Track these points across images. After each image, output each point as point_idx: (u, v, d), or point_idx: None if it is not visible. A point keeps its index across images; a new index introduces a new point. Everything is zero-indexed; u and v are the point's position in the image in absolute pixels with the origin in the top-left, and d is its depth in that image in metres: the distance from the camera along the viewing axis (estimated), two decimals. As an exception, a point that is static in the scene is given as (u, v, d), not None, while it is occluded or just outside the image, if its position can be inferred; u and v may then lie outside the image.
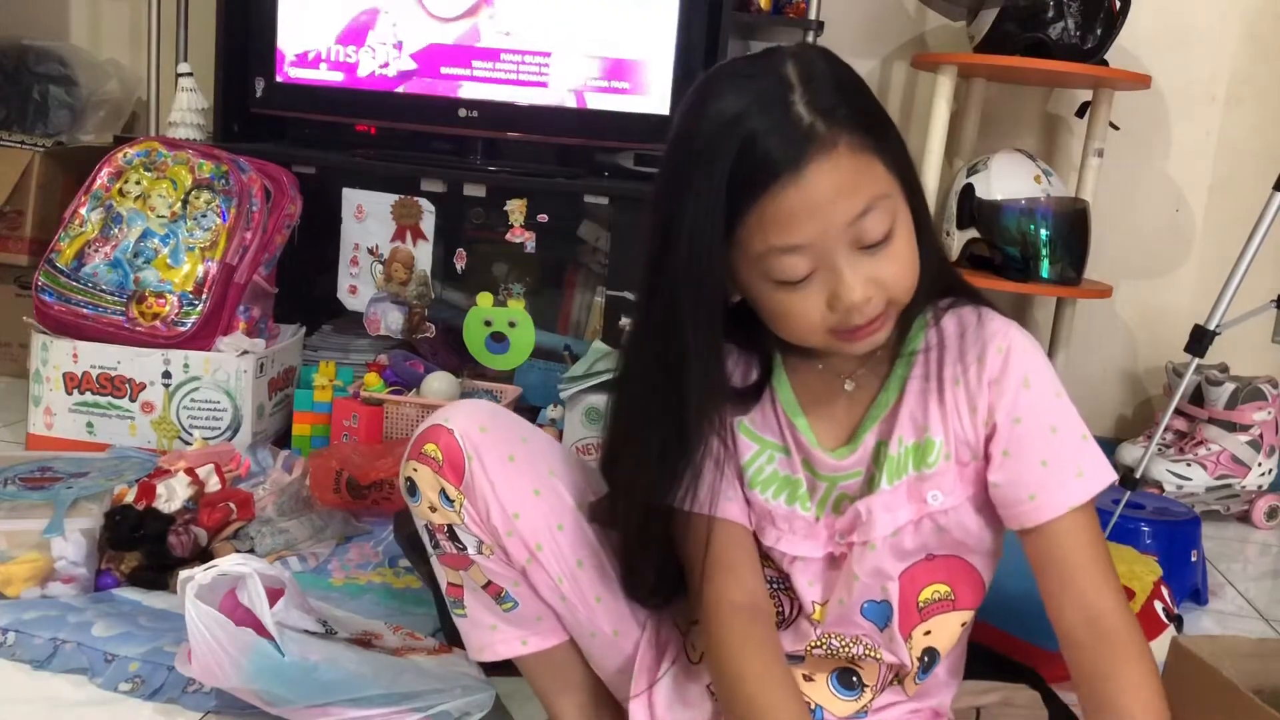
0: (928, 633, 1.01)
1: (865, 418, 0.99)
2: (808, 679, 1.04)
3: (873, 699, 1.04)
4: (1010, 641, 1.42)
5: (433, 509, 1.04)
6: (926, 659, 1.02)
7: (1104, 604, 0.92)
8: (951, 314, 0.98)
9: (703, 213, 0.87)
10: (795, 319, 0.91)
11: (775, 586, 1.04)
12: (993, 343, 0.95)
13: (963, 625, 1.03)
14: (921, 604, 1.00)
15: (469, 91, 2.26)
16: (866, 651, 1.01)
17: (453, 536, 1.04)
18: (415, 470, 1.04)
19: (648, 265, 0.93)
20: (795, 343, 0.95)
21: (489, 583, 1.06)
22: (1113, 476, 0.96)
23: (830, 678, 1.05)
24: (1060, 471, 0.93)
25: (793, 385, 1.02)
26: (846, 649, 1.02)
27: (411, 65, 2.28)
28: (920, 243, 0.93)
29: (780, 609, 1.04)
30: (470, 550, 1.04)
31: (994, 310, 0.99)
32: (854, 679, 1.04)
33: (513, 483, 1.03)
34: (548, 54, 2.23)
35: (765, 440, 1.02)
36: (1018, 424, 0.94)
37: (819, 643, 1.02)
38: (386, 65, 2.29)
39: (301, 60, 2.33)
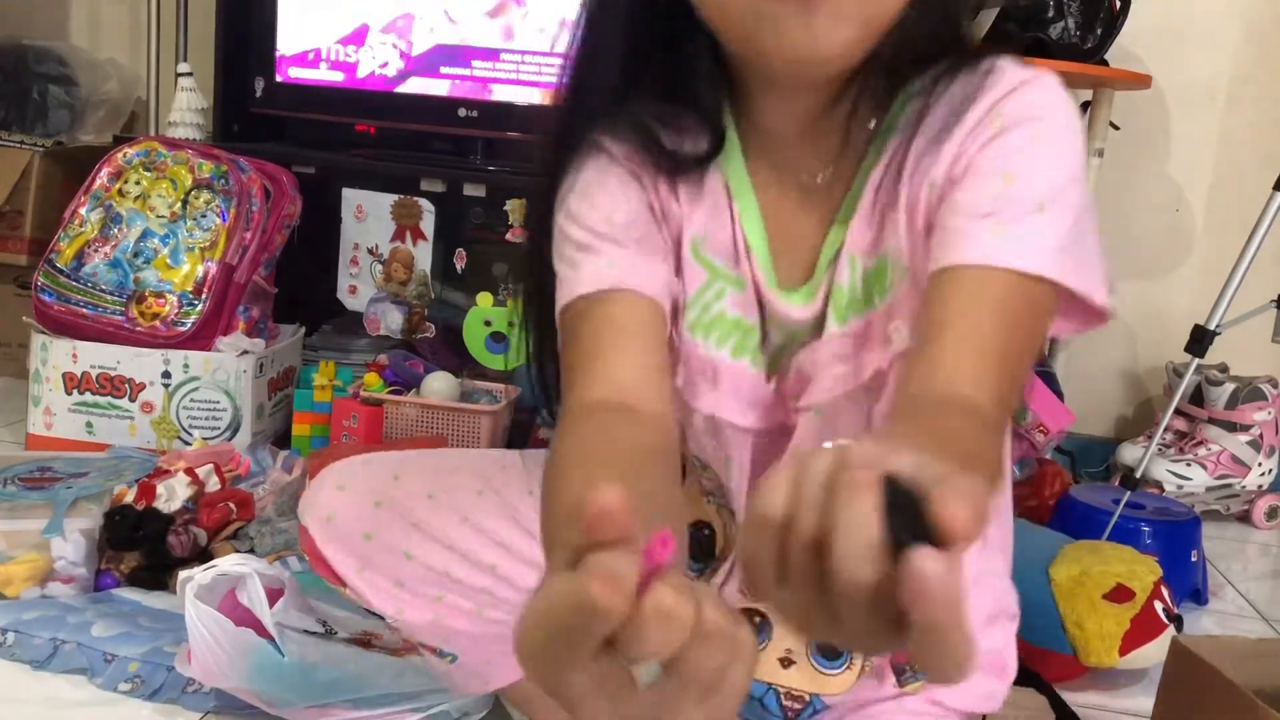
0: None
1: (825, 243, 0.79)
2: (786, 663, 0.89)
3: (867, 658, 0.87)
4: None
5: (341, 592, 0.99)
6: None
7: (962, 387, 0.64)
8: (959, 77, 0.74)
9: None
10: None
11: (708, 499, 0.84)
12: (993, 89, 0.72)
13: None
14: None
15: (468, 91, 2.26)
16: None
17: (369, 612, 1.00)
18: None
19: None
20: (715, 20, 0.71)
21: (422, 643, 1.02)
22: (1100, 299, 0.71)
23: (809, 651, 0.88)
24: (1005, 219, 0.68)
25: (755, 195, 0.80)
26: None
27: (412, 64, 2.28)
28: None
29: (706, 534, 0.85)
30: (388, 619, 1.00)
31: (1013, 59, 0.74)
32: None
33: (381, 557, 0.95)
34: (548, 53, 2.23)
35: (718, 268, 0.81)
36: (967, 169, 0.71)
37: None
38: (386, 65, 2.29)
39: (301, 60, 2.33)
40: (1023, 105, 0.71)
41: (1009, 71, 0.72)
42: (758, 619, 0.86)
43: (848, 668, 0.88)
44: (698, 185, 0.81)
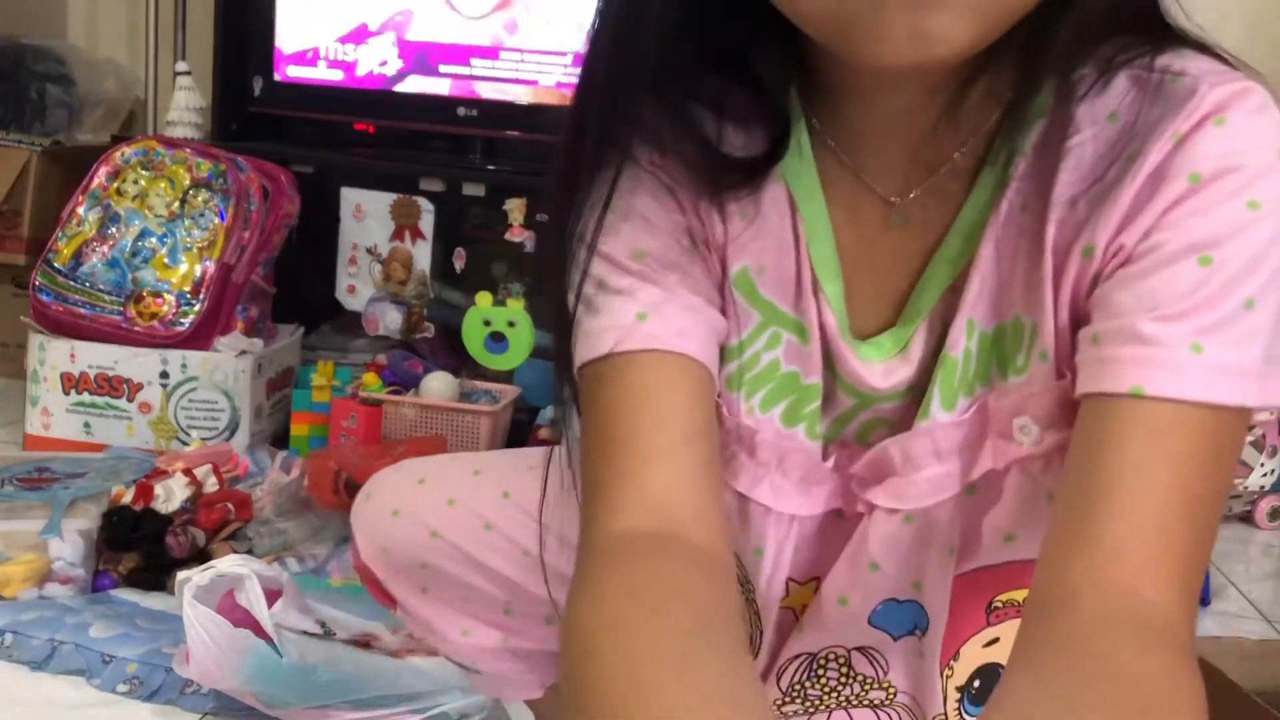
0: (991, 642, 0.65)
1: (919, 287, 0.60)
2: None
3: None
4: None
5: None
6: (978, 686, 0.65)
7: (1137, 582, 0.47)
8: (1125, 73, 0.54)
9: None
10: None
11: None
12: (1179, 112, 0.52)
13: None
14: (997, 606, 0.64)
15: (468, 90, 2.25)
16: (865, 691, 0.65)
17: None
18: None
19: None
20: (790, 13, 0.53)
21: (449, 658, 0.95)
22: None
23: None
24: (1202, 327, 0.49)
25: (831, 216, 0.61)
26: (831, 692, 0.65)
27: (411, 63, 2.28)
28: None
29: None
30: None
31: (1220, 60, 0.54)
32: None
33: (440, 600, 0.87)
34: (548, 52, 2.22)
35: (775, 308, 0.62)
36: (1147, 240, 0.51)
37: (790, 690, 0.65)
38: (385, 64, 2.29)
39: (300, 59, 2.33)
40: (1227, 145, 0.51)
41: (1203, 81, 0.52)
42: None
43: None
44: (752, 200, 0.62)
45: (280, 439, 2.10)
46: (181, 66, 2.44)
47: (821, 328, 0.61)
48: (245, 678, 1.16)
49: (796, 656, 0.66)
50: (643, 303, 0.58)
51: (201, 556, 1.49)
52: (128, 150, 2.08)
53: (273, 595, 1.21)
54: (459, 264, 2.32)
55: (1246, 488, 2.28)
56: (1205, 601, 1.81)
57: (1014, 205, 0.57)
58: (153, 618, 1.39)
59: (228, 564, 1.21)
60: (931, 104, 0.57)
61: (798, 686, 0.66)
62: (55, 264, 2.01)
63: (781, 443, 0.62)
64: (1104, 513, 0.48)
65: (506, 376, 2.24)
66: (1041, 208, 0.55)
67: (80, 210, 2.04)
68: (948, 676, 0.65)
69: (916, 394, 0.60)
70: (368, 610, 1.47)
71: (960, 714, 0.66)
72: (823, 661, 0.65)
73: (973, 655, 0.65)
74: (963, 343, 0.58)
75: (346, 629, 1.31)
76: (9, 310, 2.39)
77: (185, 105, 2.41)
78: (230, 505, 1.61)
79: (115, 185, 2.06)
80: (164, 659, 1.27)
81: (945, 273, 0.59)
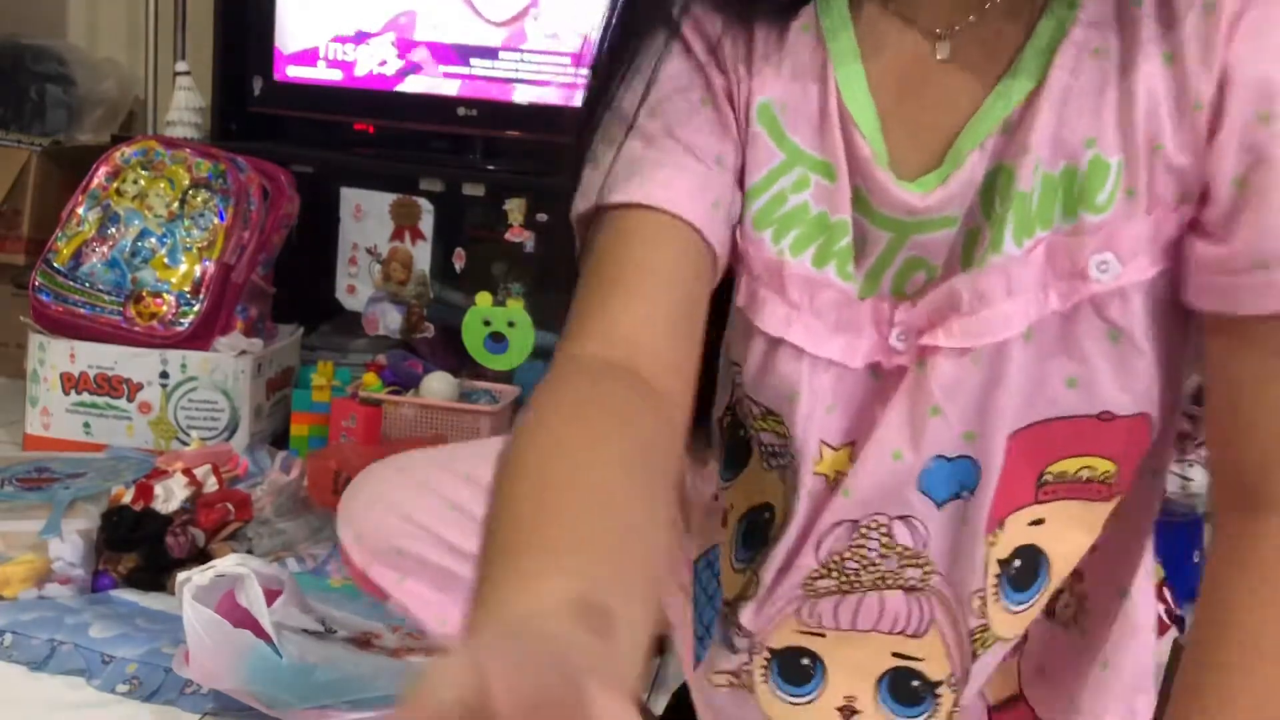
0: (1037, 522, 0.62)
1: (973, 120, 0.59)
2: (849, 713, 0.65)
3: (956, 703, 0.64)
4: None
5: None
6: (1018, 567, 0.63)
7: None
8: None
9: None
10: None
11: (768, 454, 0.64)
12: None
13: (1103, 528, 0.63)
14: (1047, 479, 0.62)
15: (468, 90, 2.25)
16: (902, 568, 0.62)
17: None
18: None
19: None
20: None
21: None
22: None
23: (879, 687, 0.65)
24: None
25: (862, 50, 0.61)
26: (869, 566, 0.62)
27: (410, 63, 2.27)
28: None
29: (766, 517, 0.65)
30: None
31: None
32: (915, 682, 0.64)
33: (418, 588, 0.88)
34: (548, 52, 2.22)
35: (798, 149, 0.62)
36: (1268, 125, 0.53)
37: (828, 561, 0.62)
38: (384, 64, 2.29)
39: (299, 59, 2.33)
40: None
41: None
42: (805, 660, 0.66)
43: (932, 715, 0.65)
44: (777, 35, 0.61)
45: (280, 439, 2.10)
46: (181, 66, 2.44)
47: (854, 161, 0.60)
48: (245, 677, 1.16)
49: (839, 523, 0.63)
50: (643, 155, 0.59)
51: (201, 556, 1.49)
52: (127, 150, 2.08)
53: (272, 595, 1.21)
54: (459, 264, 2.32)
55: (1246, 488, 2.28)
56: (1205, 601, 1.81)
57: (1087, 41, 0.56)
58: (152, 618, 1.39)
59: (227, 564, 1.21)
60: None
61: (835, 559, 0.63)
62: (55, 264, 2.01)
63: (811, 281, 0.61)
64: (1253, 422, 0.54)
65: (506, 376, 2.24)
66: (1116, 32, 0.55)
67: (80, 210, 2.04)
68: (990, 544, 0.62)
69: (964, 232, 0.59)
70: (367, 610, 1.47)
71: (998, 594, 0.63)
72: (865, 530, 0.63)
73: (1017, 530, 0.63)
74: (1031, 177, 0.57)
75: (346, 628, 1.31)
76: (9, 310, 2.39)
77: (185, 105, 2.41)
78: (230, 505, 1.61)
79: (115, 185, 2.06)
80: (164, 659, 1.27)
81: (999, 112, 0.58)
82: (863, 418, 0.61)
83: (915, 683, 0.64)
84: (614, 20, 0.62)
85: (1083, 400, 0.59)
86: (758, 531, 0.68)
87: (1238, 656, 0.55)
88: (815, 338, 0.61)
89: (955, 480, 0.61)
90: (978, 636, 0.64)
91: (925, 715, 0.65)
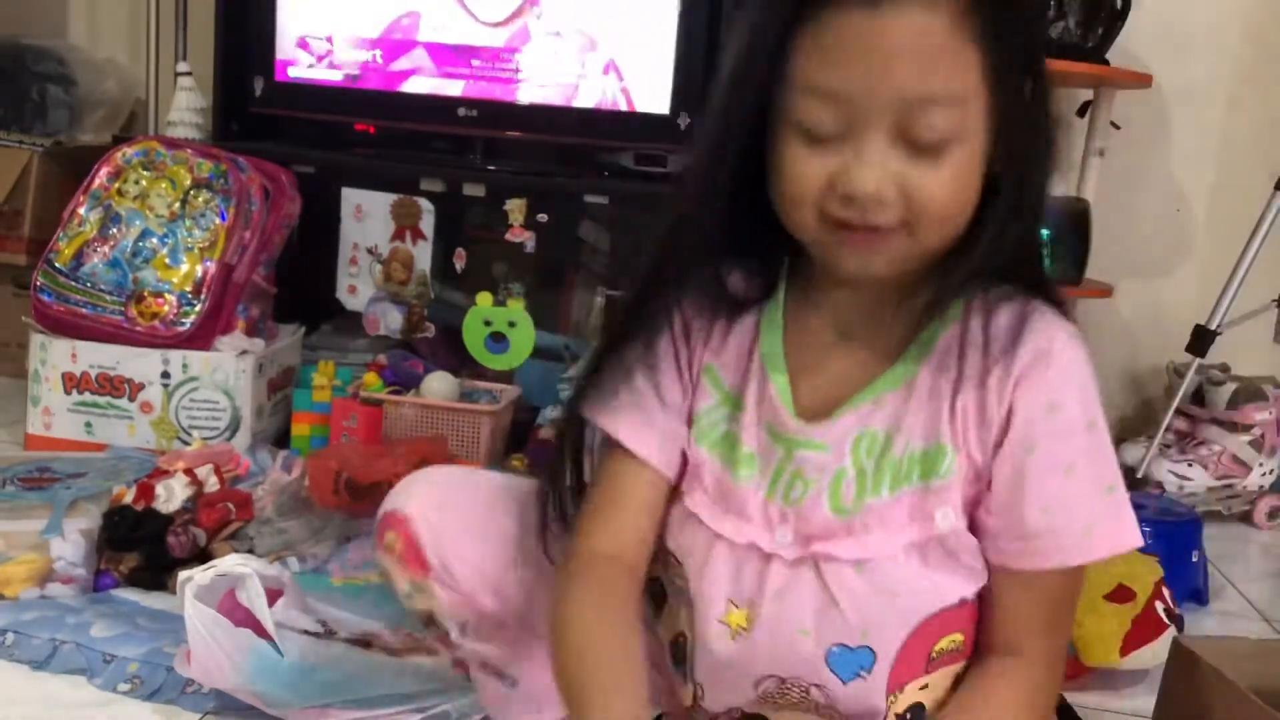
0: (925, 687, 0.85)
1: (855, 395, 0.83)
2: None
3: None
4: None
5: (408, 596, 0.97)
6: (909, 718, 0.86)
7: (1026, 645, 0.83)
8: (1005, 307, 0.81)
9: (766, 5, 0.77)
10: (795, 179, 0.77)
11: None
12: (1030, 340, 0.79)
13: (955, 678, 0.86)
14: (934, 655, 0.84)
15: (468, 90, 2.25)
16: (821, 716, 0.86)
17: (433, 622, 0.99)
18: (381, 559, 0.97)
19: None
20: (785, 216, 0.80)
21: (484, 662, 1.01)
22: (1135, 542, 0.82)
23: None
24: (1063, 522, 0.79)
25: (785, 339, 0.87)
26: (793, 706, 0.86)
27: (415, 64, 2.28)
28: (996, 207, 0.78)
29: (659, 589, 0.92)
30: (453, 634, 0.98)
31: (1055, 311, 0.81)
32: None
33: (485, 563, 0.95)
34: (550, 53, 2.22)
35: (727, 393, 0.88)
36: (1029, 454, 0.79)
37: (762, 696, 0.86)
38: (386, 64, 2.29)
39: (300, 59, 2.33)
40: (1057, 375, 0.80)
41: (1045, 319, 0.81)
42: None
43: None
44: (730, 322, 0.90)
45: (281, 439, 2.11)
46: (183, 67, 2.44)
47: (765, 399, 0.86)
48: (246, 677, 1.16)
49: (769, 676, 0.85)
50: (631, 409, 0.88)
51: (202, 556, 1.50)
52: (129, 150, 2.08)
53: (274, 595, 1.22)
54: (459, 264, 2.33)
55: (1245, 488, 2.29)
56: (1204, 601, 1.82)
57: (943, 362, 0.82)
58: (154, 617, 1.39)
59: (229, 563, 1.21)
60: (889, 292, 0.83)
61: (769, 697, 0.86)
62: (56, 264, 2.01)
63: (720, 478, 0.86)
64: (1011, 623, 0.83)
65: (507, 376, 2.24)
66: (954, 376, 0.81)
67: (81, 210, 2.05)
68: (891, 703, 0.83)
69: (835, 467, 0.83)
70: (368, 610, 1.47)
71: None
72: (789, 685, 0.85)
73: (910, 694, 0.84)
74: (903, 449, 0.82)
75: (347, 628, 1.31)
76: (10, 310, 2.40)
77: (186, 105, 2.41)
78: (231, 505, 1.61)
79: (116, 185, 2.06)
80: (165, 658, 1.27)
81: (869, 395, 0.83)
82: (759, 588, 0.84)
83: None
84: (633, 307, 0.90)
85: (944, 597, 0.82)
86: (680, 652, 0.92)
87: None
88: (715, 516, 0.86)
89: (856, 663, 0.82)
90: None
91: None
